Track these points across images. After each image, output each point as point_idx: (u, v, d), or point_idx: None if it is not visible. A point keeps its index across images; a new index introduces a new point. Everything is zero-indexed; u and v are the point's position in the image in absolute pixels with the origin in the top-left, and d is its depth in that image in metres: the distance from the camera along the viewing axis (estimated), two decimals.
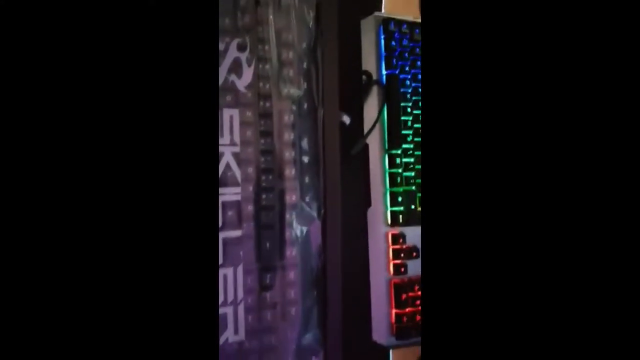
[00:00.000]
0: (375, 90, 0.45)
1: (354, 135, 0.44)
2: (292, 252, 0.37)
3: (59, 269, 0.18)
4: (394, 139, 0.44)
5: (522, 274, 0.17)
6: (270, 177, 0.36)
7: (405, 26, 0.46)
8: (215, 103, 0.20)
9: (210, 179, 0.19)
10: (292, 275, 0.36)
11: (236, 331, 0.34)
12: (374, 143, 0.45)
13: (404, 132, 0.45)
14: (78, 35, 0.18)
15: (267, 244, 0.35)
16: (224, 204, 0.33)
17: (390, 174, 0.44)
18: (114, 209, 0.18)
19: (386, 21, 0.45)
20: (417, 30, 0.46)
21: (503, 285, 0.18)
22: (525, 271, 0.17)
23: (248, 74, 0.35)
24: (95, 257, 0.18)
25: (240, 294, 0.34)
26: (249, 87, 0.35)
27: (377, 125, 0.44)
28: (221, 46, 0.34)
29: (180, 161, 0.19)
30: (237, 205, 0.34)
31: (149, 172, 0.18)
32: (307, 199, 0.38)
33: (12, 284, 0.17)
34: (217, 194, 0.20)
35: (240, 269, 0.34)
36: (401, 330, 0.42)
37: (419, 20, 0.47)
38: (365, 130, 0.44)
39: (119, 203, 0.18)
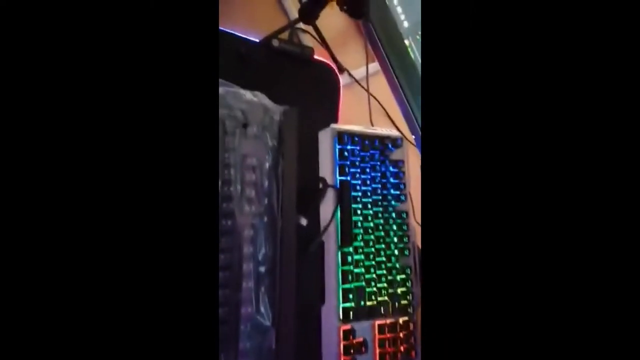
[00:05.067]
0: (330, 194, 0.50)
1: (311, 235, 0.48)
2: None
3: (59, 266, 0.18)
4: (346, 237, 0.48)
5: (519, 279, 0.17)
6: (228, 291, 0.38)
7: (357, 138, 0.52)
8: (215, 104, 0.20)
9: (209, 181, 0.19)
10: None
11: None
12: (329, 241, 0.49)
13: (355, 230, 0.49)
14: (77, 35, 0.18)
15: (222, 356, 0.37)
16: None
17: (343, 271, 0.48)
18: (113, 209, 0.18)
19: (340, 133, 0.51)
20: (367, 142, 0.52)
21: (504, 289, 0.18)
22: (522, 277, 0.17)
23: None
24: (94, 257, 0.18)
25: None
26: None
27: (332, 225, 0.48)
28: None
29: (179, 163, 0.19)
30: None
31: (149, 172, 0.18)
32: (262, 309, 0.41)
33: (11, 283, 0.17)
34: (217, 195, 0.21)
35: None
36: None
37: (369, 130, 0.53)
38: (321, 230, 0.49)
39: (118, 203, 0.18)
